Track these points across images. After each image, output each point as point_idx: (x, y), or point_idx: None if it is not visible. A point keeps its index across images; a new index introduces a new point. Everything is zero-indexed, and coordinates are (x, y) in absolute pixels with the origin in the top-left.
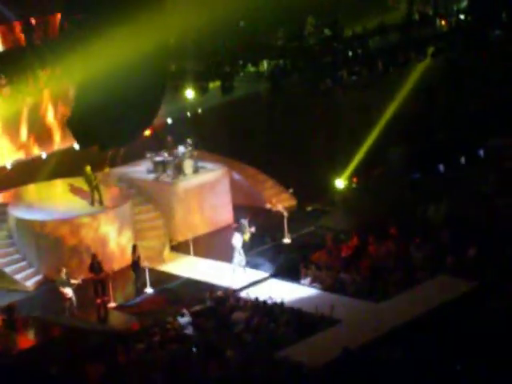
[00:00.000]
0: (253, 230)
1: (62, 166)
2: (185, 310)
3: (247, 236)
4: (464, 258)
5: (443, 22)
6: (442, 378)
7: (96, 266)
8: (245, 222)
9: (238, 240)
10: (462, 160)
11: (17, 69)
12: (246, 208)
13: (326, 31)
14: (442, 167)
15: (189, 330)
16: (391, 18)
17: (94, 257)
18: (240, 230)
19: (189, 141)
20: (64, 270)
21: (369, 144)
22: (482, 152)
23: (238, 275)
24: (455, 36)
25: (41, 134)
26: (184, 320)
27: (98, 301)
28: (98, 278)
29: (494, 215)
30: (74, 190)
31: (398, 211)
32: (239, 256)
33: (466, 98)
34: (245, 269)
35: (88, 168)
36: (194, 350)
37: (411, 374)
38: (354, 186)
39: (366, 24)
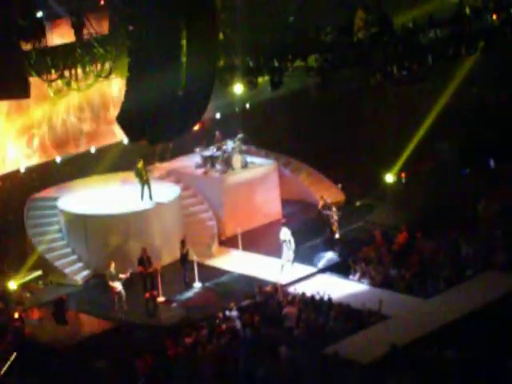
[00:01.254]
0: (335, 219)
1: (112, 161)
2: (232, 305)
3: (334, 227)
4: None
5: (494, 17)
6: (493, 375)
7: (145, 260)
8: (327, 212)
9: (286, 235)
10: None
11: (67, 64)
12: (296, 203)
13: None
14: (492, 162)
15: (237, 325)
16: (440, 9)
17: (143, 251)
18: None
19: (238, 136)
20: (113, 265)
21: (418, 138)
22: None
23: (286, 270)
24: (506, 30)
25: (91, 128)
26: (232, 314)
27: (147, 295)
28: (147, 273)
29: None
30: (124, 185)
31: (448, 206)
32: (288, 251)
33: None
34: (293, 264)
35: (140, 163)
36: (244, 344)
37: (461, 371)
38: (403, 180)
39: (416, 17)
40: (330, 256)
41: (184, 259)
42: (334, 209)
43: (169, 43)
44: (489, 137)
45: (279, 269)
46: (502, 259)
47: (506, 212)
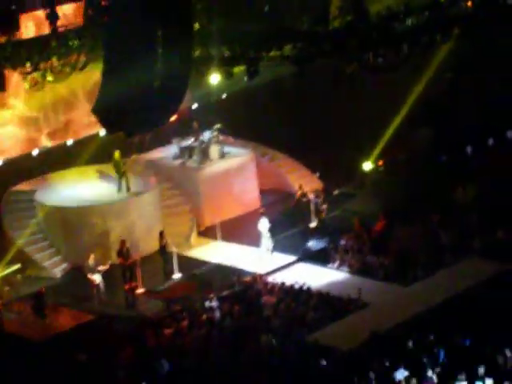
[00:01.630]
0: (324, 207)
1: (89, 153)
2: (212, 295)
3: (323, 214)
4: (493, 239)
5: (469, 3)
6: (471, 361)
7: (124, 252)
8: (316, 200)
9: (264, 225)
10: (490, 142)
11: (42, 56)
12: (273, 192)
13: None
14: (469, 149)
15: (216, 315)
16: None
17: (122, 243)
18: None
19: (215, 126)
20: (92, 257)
21: (395, 126)
22: (510, 134)
23: (265, 260)
24: (479, 17)
25: (67, 120)
26: (211, 304)
27: (127, 287)
28: (127, 264)
29: None
30: (102, 177)
31: (425, 194)
32: (266, 241)
33: (493, 80)
34: (272, 253)
35: (117, 154)
36: (223, 334)
37: (438, 358)
38: (380, 168)
39: (391, 5)
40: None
41: (163, 250)
42: (321, 197)
43: (144, 34)
44: (465, 123)
45: (258, 259)
46: (478, 245)
47: (482, 198)
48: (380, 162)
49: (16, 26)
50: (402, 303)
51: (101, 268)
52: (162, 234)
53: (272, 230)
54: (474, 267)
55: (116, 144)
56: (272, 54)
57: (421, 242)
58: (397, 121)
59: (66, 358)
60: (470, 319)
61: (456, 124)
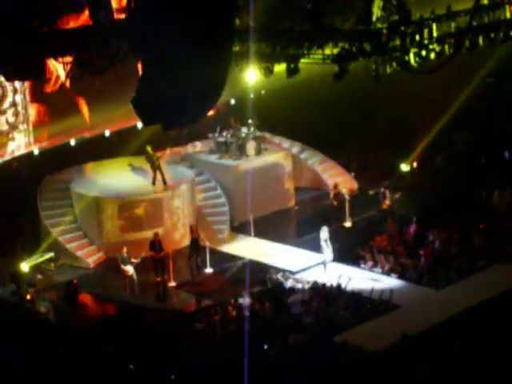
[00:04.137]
0: (397, 196)
1: (126, 144)
2: (243, 291)
3: (387, 204)
4: None
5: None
6: (501, 366)
7: (157, 244)
8: (384, 190)
9: (325, 232)
10: None
11: (85, 47)
12: (309, 190)
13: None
14: (507, 154)
15: (248, 312)
16: (460, 2)
17: (155, 235)
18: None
19: (252, 122)
20: (125, 249)
21: (435, 128)
22: None
23: (325, 269)
24: None
25: (105, 111)
26: (243, 301)
27: (158, 279)
28: (158, 257)
29: None
30: (136, 169)
31: (462, 197)
32: (327, 248)
33: None
34: (328, 261)
35: (149, 147)
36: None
37: (470, 362)
38: (417, 170)
39: (435, 7)
40: None
41: (195, 244)
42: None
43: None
44: (504, 128)
45: (321, 266)
46: (510, 251)
47: None
48: (415, 164)
49: (58, 16)
50: (434, 306)
51: (134, 260)
52: (193, 228)
53: (305, 228)
54: (506, 273)
55: (153, 136)
56: (312, 52)
57: (455, 246)
58: (437, 122)
59: (97, 348)
60: (501, 325)
61: (494, 128)
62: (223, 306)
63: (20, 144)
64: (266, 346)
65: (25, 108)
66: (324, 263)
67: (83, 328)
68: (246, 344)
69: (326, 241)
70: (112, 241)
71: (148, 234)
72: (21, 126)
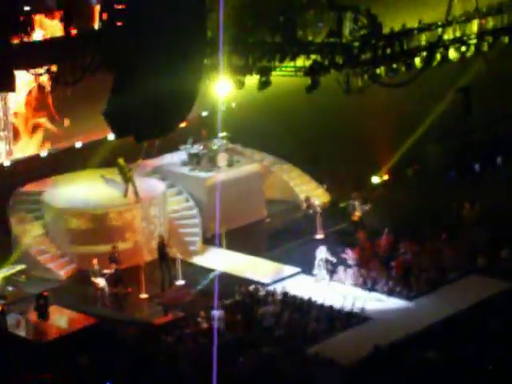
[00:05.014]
0: (367, 207)
1: (97, 157)
2: (214, 303)
3: (357, 216)
4: (497, 258)
5: (483, 21)
6: (474, 377)
7: (114, 257)
8: (353, 202)
9: (321, 252)
10: (499, 160)
11: (55, 58)
12: (280, 202)
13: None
14: (477, 167)
15: (220, 324)
16: (431, 15)
17: (113, 248)
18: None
19: (224, 134)
20: (95, 260)
21: (405, 141)
22: None
23: (321, 288)
24: (494, 36)
25: (76, 123)
26: (216, 313)
27: (115, 291)
28: (118, 269)
29: None
30: (108, 181)
31: (433, 209)
32: (322, 269)
33: (503, 98)
34: (328, 283)
35: (121, 160)
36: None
37: (443, 373)
38: (388, 183)
39: (405, 21)
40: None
41: (166, 256)
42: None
43: (158, 42)
44: (474, 141)
45: (315, 284)
46: (483, 263)
47: (489, 216)
48: (387, 176)
49: (30, 28)
50: (406, 318)
51: (105, 271)
52: (163, 240)
53: (277, 240)
54: (477, 285)
55: (124, 148)
56: (285, 64)
57: (426, 258)
58: (408, 135)
59: (68, 360)
60: (471, 336)
61: (465, 141)
62: (194, 319)
63: (1, 152)
64: (240, 359)
65: (6, 115)
66: (318, 279)
67: (54, 340)
68: (215, 357)
69: (321, 260)
70: (83, 253)
71: (120, 245)
72: (1, 133)
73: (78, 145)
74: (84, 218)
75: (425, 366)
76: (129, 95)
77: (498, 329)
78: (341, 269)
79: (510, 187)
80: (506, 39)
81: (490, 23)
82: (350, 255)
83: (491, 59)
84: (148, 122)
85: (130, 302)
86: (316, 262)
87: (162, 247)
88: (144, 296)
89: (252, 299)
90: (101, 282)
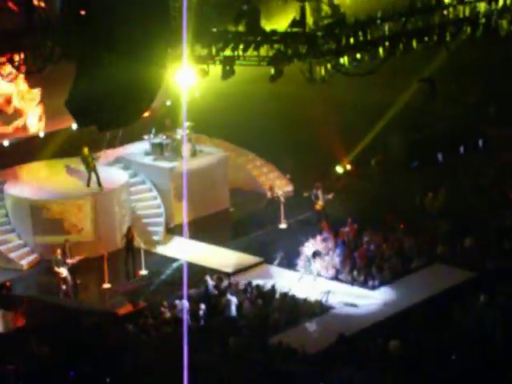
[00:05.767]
0: (330, 196)
1: (61, 146)
2: (178, 293)
3: (320, 205)
4: (460, 247)
5: (445, 12)
6: (436, 366)
7: (66, 250)
8: (317, 191)
9: (309, 249)
10: (461, 150)
11: (16, 48)
12: (244, 192)
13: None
14: (440, 156)
15: (184, 314)
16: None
17: (65, 241)
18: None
19: (188, 124)
20: (59, 250)
21: (369, 131)
22: (481, 142)
23: (308, 285)
24: (458, 26)
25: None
26: (181, 303)
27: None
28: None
29: (491, 205)
30: (71, 171)
31: (396, 199)
32: (308, 265)
33: (466, 89)
34: (316, 279)
35: (85, 149)
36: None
37: (405, 362)
38: (352, 172)
39: (369, 10)
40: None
41: (130, 246)
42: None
43: (121, 32)
44: (437, 131)
45: (298, 280)
46: (443, 251)
47: (453, 205)
48: (351, 167)
49: None
50: (369, 307)
51: (69, 261)
52: (129, 230)
53: (240, 230)
54: (440, 274)
55: (87, 138)
56: (248, 54)
57: (389, 247)
58: (372, 125)
59: (30, 350)
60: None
61: (428, 131)
62: (157, 308)
63: None
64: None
65: None
66: (301, 278)
67: (15, 331)
68: (185, 346)
69: (309, 258)
70: (44, 243)
71: (83, 235)
72: None
73: (41, 134)
74: (46, 208)
75: (388, 356)
76: (91, 85)
77: (460, 318)
78: (304, 258)
79: (473, 177)
80: (469, 29)
81: (452, 14)
82: (313, 245)
83: (454, 49)
84: (110, 112)
85: (93, 291)
86: (303, 259)
87: (128, 238)
88: (107, 286)
89: (215, 289)
90: (63, 271)
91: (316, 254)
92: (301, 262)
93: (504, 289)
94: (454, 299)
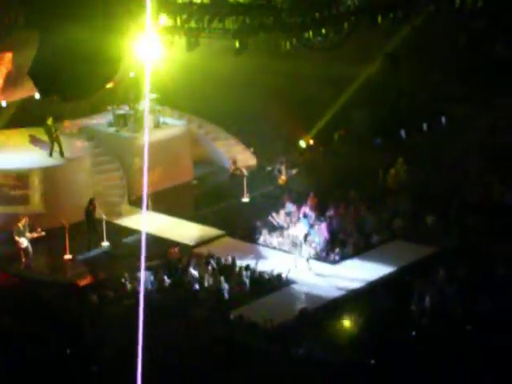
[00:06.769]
0: (294, 171)
1: (22, 116)
2: (139, 265)
3: (283, 180)
4: (421, 224)
5: None
6: (396, 344)
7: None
8: (280, 166)
9: (301, 230)
10: (424, 127)
11: None
12: (208, 165)
13: None
14: (403, 133)
15: (141, 286)
16: None
17: (22, 216)
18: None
19: (151, 95)
20: (23, 221)
21: (333, 106)
22: (444, 119)
23: (301, 267)
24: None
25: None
26: (138, 275)
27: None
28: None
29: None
30: (33, 141)
31: (359, 174)
32: (300, 247)
33: (430, 65)
34: (308, 261)
35: (49, 119)
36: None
37: (366, 337)
38: (315, 147)
39: None
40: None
41: (91, 217)
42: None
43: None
44: (401, 108)
45: (293, 264)
46: (401, 227)
47: (414, 182)
48: (313, 141)
49: None
50: (331, 282)
51: (33, 234)
52: (91, 201)
53: (203, 203)
54: (400, 250)
55: (50, 108)
56: (213, 26)
57: (350, 222)
58: (335, 100)
59: None
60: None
61: (392, 107)
62: (118, 280)
63: None
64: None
65: None
66: (296, 262)
67: None
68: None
69: (300, 241)
70: (5, 213)
71: (46, 206)
72: None
73: (4, 104)
74: (6, 178)
75: (349, 330)
76: (53, 55)
77: (422, 292)
78: (266, 232)
79: (435, 153)
80: (433, 6)
81: None
82: (275, 218)
83: (418, 26)
84: (74, 82)
85: (54, 262)
86: (297, 242)
87: (90, 209)
88: (68, 257)
89: (177, 261)
90: (24, 241)
91: (307, 236)
92: (292, 247)
93: (464, 264)
94: (415, 274)
